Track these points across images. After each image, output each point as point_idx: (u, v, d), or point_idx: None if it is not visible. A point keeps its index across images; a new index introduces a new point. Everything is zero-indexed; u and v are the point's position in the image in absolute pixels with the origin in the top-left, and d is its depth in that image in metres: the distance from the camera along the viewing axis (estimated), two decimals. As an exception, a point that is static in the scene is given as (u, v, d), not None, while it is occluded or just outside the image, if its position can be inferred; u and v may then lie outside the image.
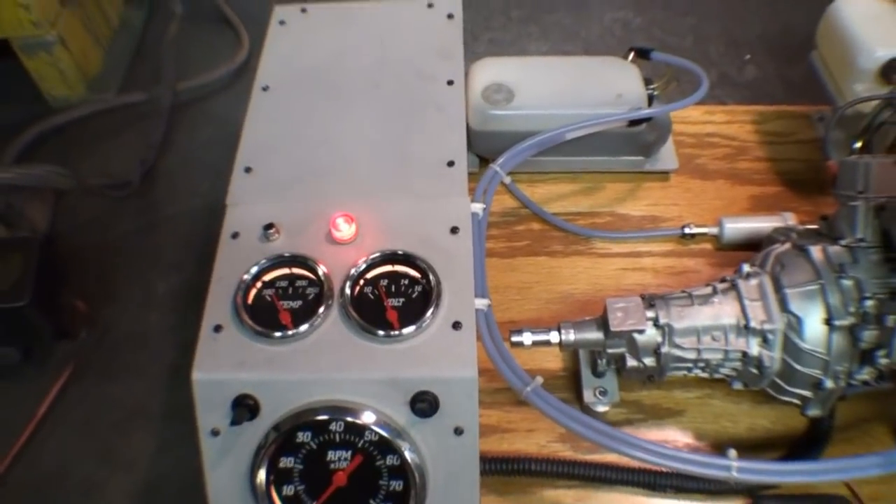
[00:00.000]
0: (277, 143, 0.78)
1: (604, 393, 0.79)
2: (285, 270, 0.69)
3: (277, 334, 0.64)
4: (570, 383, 0.82)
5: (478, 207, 0.75)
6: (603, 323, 0.74)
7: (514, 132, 0.87)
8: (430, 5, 0.90)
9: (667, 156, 0.97)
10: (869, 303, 0.68)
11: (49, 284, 0.86)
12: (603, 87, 0.91)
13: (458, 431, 0.63)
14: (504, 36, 1.26)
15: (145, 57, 1.24)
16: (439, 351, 0.63)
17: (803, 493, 0.76)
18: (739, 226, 0.89)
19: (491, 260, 0.90)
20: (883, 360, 0.67)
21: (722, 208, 0.94)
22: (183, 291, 0.94)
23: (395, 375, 0.62)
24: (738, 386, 0.77)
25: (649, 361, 0.74)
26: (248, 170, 0.76)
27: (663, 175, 0.98)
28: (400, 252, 0.68)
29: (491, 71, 0.93)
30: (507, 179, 0.81)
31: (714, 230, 0.91)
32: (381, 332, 0.64)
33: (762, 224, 0.88)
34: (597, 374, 0.80)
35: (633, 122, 0.89)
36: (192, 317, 0.90)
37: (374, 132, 0.79)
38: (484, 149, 0.92)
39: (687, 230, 0.91)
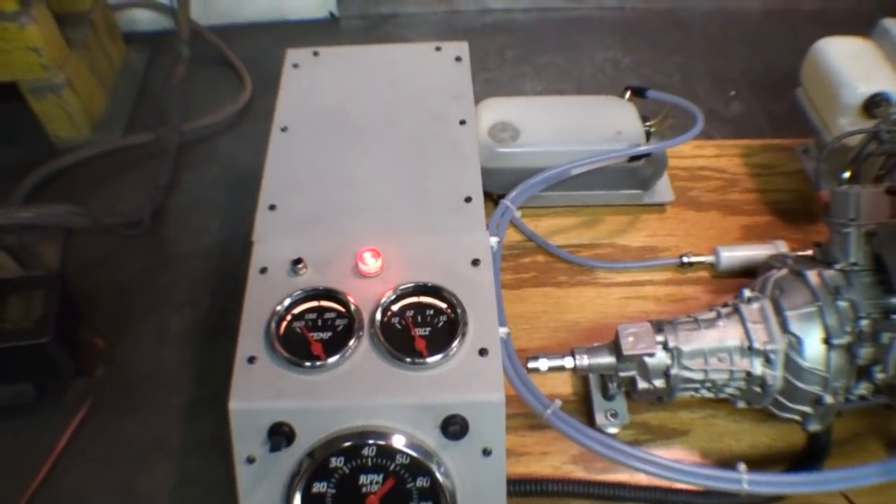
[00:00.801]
0: (299, 181, 0.81)
1: (615, 415, 0.83)
2: (314, 304, 0.71)
3: (310, 364, 0.67)
4: (580, 407, 0.85)
5: (493, 241, 0.78)
6: (615, 348, 0.78)
7: (520, 168, 0.92)
8: (437, 49, 0.95)
9: (663, 189, 1.02)
10: (864, 322, 0.73)
11: (68, 320, 0.88)
12: (603, 124, 0.96)
13: (487, 452, 0.66)
14: (499, 76, 1.31)
15: (148, 99, 1.26)
16: (468, 376, 0.66)
17: (803, 505, 0.80)
18: (734, 254, 0.94)
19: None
20: (879, 375, 0.72)
21: (716, 237, 0.99)
22: (197, 327, 0.96)
23: (426, 400, 0.65)
24: (741, 405, 0.81)
25: (659, 383, 0.78)
26: (272, 207, 0.79)
27: (660, 207, 1.03)
28: (425, 284, 0.71)
29: (496, 110, 0.98)
30: (518, 213, 0.85)
31: (710, 259, 0.96)
32: (410, 360, 0.66)
33: (756, 252, 0.93)
34: (607, 397, 0.84)
35: (633, 158, 0.94)
36: (208, 351, 0.92)
37: (392, 170, 0.82)
38: (491, 185, 0.96)
39: (685, 259, 0.96)
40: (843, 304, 0.74)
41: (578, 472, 0.82)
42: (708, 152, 1.10)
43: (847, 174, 0.85)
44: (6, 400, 0.90)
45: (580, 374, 0.83)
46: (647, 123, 0.97)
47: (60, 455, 0.86)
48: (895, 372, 0.71)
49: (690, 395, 0.80)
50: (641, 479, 0.80)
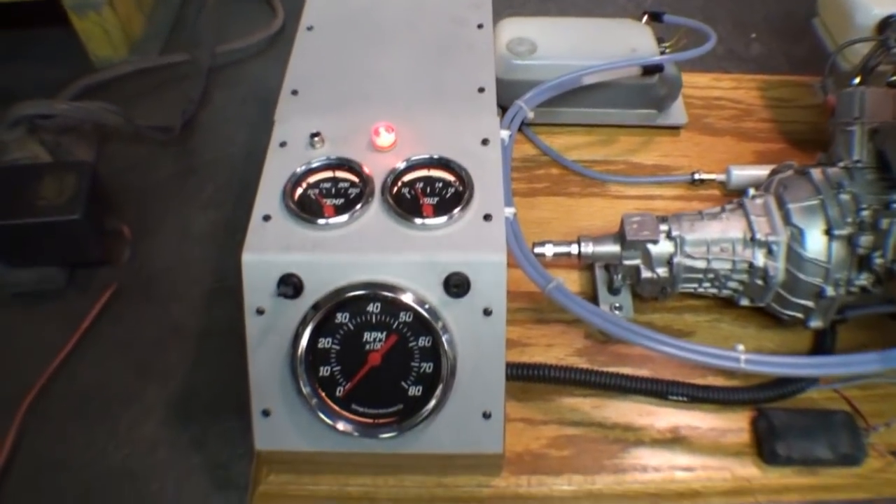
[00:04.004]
0: (321, 72, 0.84)
1: (619, 308, 0.84)
2: (329, 174, 0.74)
3: (322, 221, 0.69)
4: (586, 303, 0.87)
5: (504, 134, 0.81)
6: (620, 237, 0.80)
7: (535, 81, 0.94)
8: (461, -39, 0.98)
9: (677, 111, 1.04)
10: (865, 213, 0.74)
11: (98, 205, 0.92)
12: (619, 42, 0.99)
13: (487, 312, 0.68)
14: (523, 13, 1.34)
15: (183, 24, 1.31)
16: (471, 237, 0.68)
17: (807, 408, 0.80)
18: (746, 173, 0.96)
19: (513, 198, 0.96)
20: (879, 261, 0.73)
21: (729, 161, 1.01)
22: (219, 227, 1.00)
23: (430, 257, 0.67)
24: (744, 302, 0.82)
25: (662, 272, 0.79)
26: (294, 92, 0.82)
27: (674, 130, 1.05)
28: (436, 156, 0.74)
29: (515, 27, 1.01)
30: (531, 115, 0.87)
31: (721, 177, 0.97)
32: (418, 221, 0.69)
33: (767, 172, 0.94)
34: (612, 290, 0.85)
35: (646, 72, 0.96)
36: (228, 249, 0.96)
37: (411, 64, 0.85)
38: (506, 97, 0.98)
39: (696, 176, 0.98)
40: (844, 197, 0.76)
41: (582, 364, 0.83)
42: (725, 84, 1.12)
43: (857, 80, 0.86)
44: (35, 285, 0.94)
45: (585, 263, 0.84)
46: (663, 45, 0.99)
47: (82, 336, 0.90)
48: (894, 255, 0.71)
49: (693, 290, 0.82)
50: (644, 372, 0.82)
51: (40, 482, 0.78)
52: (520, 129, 1.05)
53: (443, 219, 0.69)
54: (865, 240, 0.73)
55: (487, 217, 0.70)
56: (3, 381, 0.86)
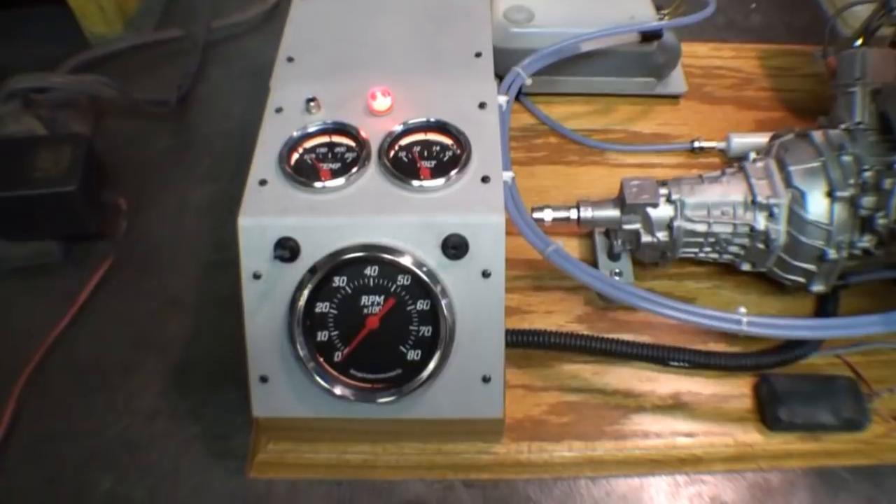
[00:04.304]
0: (317, 39, 0.84)
1: (619, 275, 0.84)
2: (325, 139, 0.74)
3: (318, 185, 0.69)
4: (586, 271, 0.86)
5: (502, 99, 0.80)
6: (619, 201, 0.80)
7: (533, 50, 0.93)
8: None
9: (676, 80, 1.03)
10: (868, 174, 0.73)
11: (94, 177, 0.91)
12: (617, 9, 0.98)
13: (486, 274, 0.67)
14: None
15: (177, 2, 1.30)
16: (469, 199, 0.68)
17: (809, 374, 0.80)
18: (746, 140, 0.95)
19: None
20: (881, 222, 0.72)
21: (729, 129, 0.99)
22: (216, 200, 0.99)
23: (428, 219, 0.67)
24: (745, 267, 0.81)
25: (662, 236, 0.79)
26: (290, 59, 0.82)
27: (673, 99, 1.04)
28: (433, 120, 0.73)
29: (513, -5, 1.00)
30: (529, 81, 0.87)
31: (722, 145, 0.96)
32: (415, 184, 0.68)
33: (768, 139, 0.94)
34: (612, 257, 0.85)
35: (645, 39, 0.95)
36: (225, 221, 0.95)
37: (408, 31, 0.85)
38: (503, 66, 0.98)
39: (696, 144, 0.97)
40: (846, 158, 0.75)
41: (582, 331, 0.83)
42: (725, 54, 1.11)
43: (859, 42, 0.85)
44: (32, 259, 0.93)
45: (584, 228, 0.84)
46: (662, 12, 0.99)
47: (80, 309, 0.90)
48: (896, 215, 0.71)
49: (694, 255, 0.81)
50: (645, 339, 0.81)
51: (40, 452, 0.78)
52: (518, 99, 1.05)
53: (440, 181, 0.69)
54: (868, 201, 0.73)
55: (485, 179, 0.69)
56: (1, 354, 0.86)
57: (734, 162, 0.95)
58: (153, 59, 1.19)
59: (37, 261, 0.94)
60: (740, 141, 0.95)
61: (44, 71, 1.00)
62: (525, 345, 0.79)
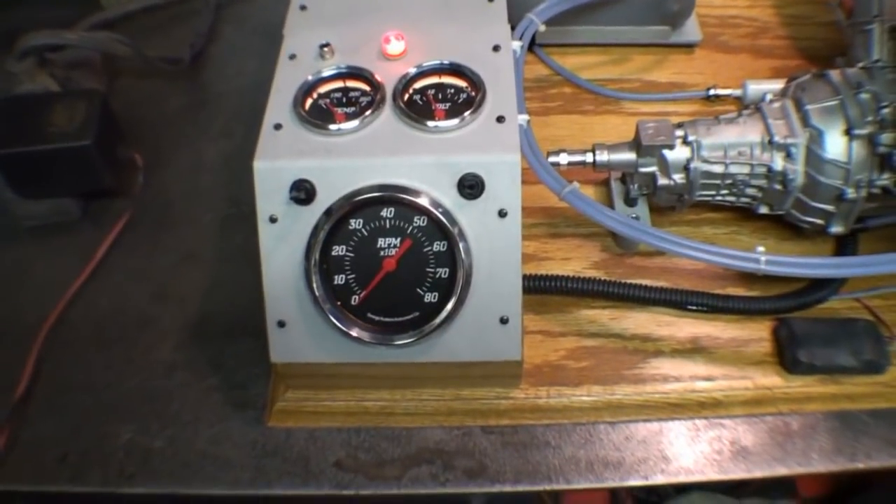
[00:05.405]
0: (329, -12, 0.84)
1: (636, 219, 0.83)
2: (340, 83, 0.73)
3: (333, 128, 0.69)
4: (602, 218, 0.86)
5: (516, 45, 0.79)
6: (635, 144, 0.79)
7: (544, 0, 0.92)
8: None
9: (691, 28, 1.02)
10: (886, 111, 0.72)
11: (109, 132, 0.91)
12: (631, -45, 0.97)
13: (503, 214, 0.67)
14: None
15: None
16: (485, 138, 0.68)
17: (829, 317, 0.80)
18: (763, 87, 0.93)
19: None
20: (901, 159, 0.71)
21: (745, 77, 0.98)
22: (231, 155, 0.99)
23: (443, 158, 0.67)
24: (763, 210, 0.81)
25: (679, 178, 0.78)
26: (303, 7, 0.82)
27: (688, 49, 1.03)
28: (447, 62, 0.73)
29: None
30: (542, 28, 0.86)
31: (738, 92, 0.95)
32: (430, 124, 0.68)
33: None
34: (629, 202, 0.84)
35: (658, -16, 0.95)
36: (241, 175, 0.95)
37: (421, -21, 0.84)
38: (517, 15, 0.97)
39: (712, 92, 0.96)
40: (864, 96, 0.74)
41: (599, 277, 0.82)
42: (740, 2, 1.10)
43: (877, -18, 0.84)
44: (50, 217, 0.94)
45: (600, 172, 0.83)
46: (677, -42, 0.98)
47: (98, 265, 0.90)
48: (916, 150, 0.70)
49: (711, 198, 0.81)
50: (662, 284, 0.81)
51: (62, 404, 0.79)
52: (531, 50, 1.04)
53: (455, 121, 0.68)
54: (886, 138, 0.71)
55: (500, 119, 0.69)
56: (21, 310, 0.86)
57: (748, 106, 0.95)
58: (166, 19, 1.19)
59: (55, 218, 0.94)
60: (757, 88, 0.93)
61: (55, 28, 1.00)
62: (543, 290, 0.79)
